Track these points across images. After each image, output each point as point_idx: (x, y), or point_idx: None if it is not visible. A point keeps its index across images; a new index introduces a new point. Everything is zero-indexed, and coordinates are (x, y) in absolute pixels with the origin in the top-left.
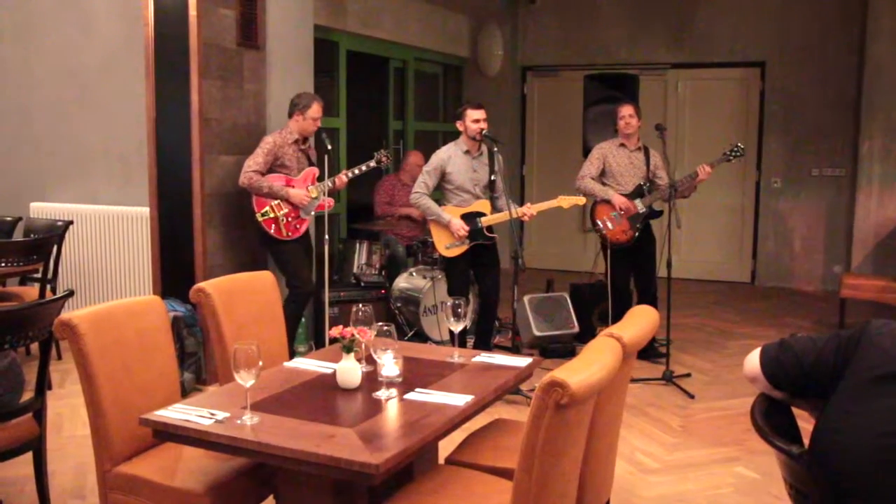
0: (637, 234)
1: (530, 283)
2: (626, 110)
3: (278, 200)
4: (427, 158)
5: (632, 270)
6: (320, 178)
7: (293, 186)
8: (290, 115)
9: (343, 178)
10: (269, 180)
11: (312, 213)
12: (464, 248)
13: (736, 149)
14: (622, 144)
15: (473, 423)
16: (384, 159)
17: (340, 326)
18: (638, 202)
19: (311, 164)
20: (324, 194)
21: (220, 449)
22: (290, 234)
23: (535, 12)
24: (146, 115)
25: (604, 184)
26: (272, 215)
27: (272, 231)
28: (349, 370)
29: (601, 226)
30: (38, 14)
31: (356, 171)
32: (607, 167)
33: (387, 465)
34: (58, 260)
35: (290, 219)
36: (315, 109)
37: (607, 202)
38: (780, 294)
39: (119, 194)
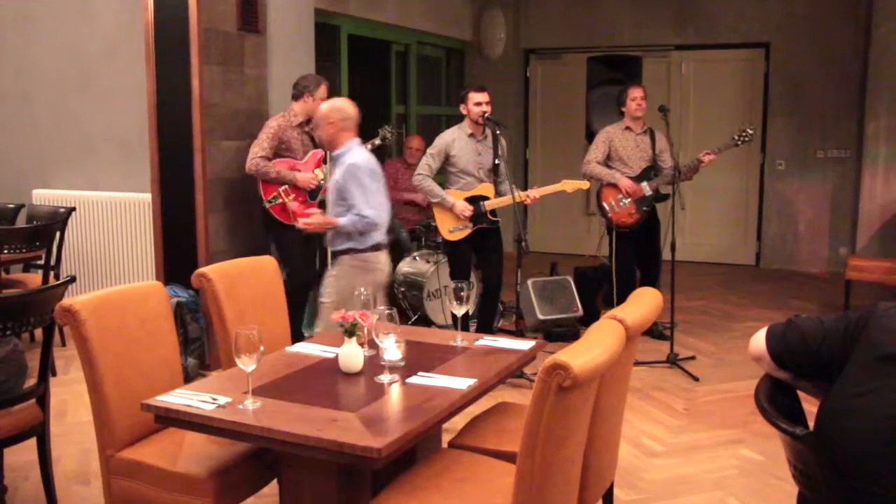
0: (643, 217)
1: (534, 267)
2: (639, 92)
3: (286, 186)
4: (429, 142)
5: (636, 253)
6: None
7: (299, 170)
8: (297, 98)
9: None
10: (276, 165)
11: (320, 196)
12: (467, 231)
13: (744, 134)
14: (628, 128)
15: (477, 407)
16: (389, 135)
17: (342, 310)
18: (645, 185)
19: (315, 146)
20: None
21: (222, 434)
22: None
23: None
24: (147, 100)
25: (610, 167)
26: (280, 201)
27: (279, 216)
28: (351, 354)
29: (608, 208)
30: (39, 0)
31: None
32: (613, 151)
33: (389, 449)
34: (61, 246)
35: (298, 204)
36: (323, 91)
37: (614, 185)
38: (785, 276)
39: (121, 180)
